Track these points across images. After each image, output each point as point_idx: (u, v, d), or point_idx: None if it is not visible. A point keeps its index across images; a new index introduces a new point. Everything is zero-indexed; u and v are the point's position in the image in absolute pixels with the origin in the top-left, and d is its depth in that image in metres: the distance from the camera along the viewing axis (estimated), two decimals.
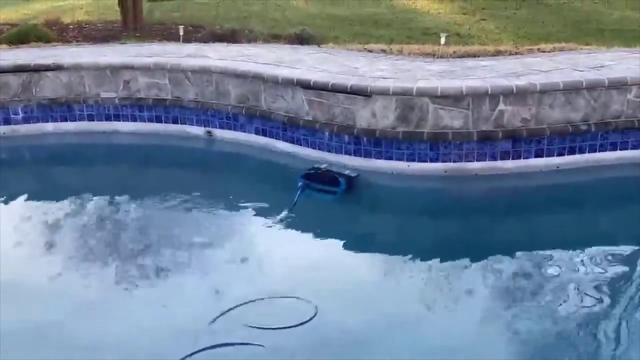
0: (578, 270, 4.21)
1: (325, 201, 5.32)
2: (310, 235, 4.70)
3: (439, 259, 4.40)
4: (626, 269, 4.27)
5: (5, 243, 4.79)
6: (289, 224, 4.90)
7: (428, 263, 4.40)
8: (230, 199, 5.37)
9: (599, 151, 5.67)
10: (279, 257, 4.44)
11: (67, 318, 3.78)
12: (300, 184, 5.34)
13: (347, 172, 5.49)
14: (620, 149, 5.70)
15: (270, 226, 4.86)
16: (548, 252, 4.42)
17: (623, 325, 3.59)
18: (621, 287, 4.01)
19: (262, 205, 5.23)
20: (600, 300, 3.84)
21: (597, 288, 3.97)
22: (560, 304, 3.83)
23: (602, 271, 4.20)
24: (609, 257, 4.38)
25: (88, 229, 5.01)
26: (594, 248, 4.51)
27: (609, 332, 3.54)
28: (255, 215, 5.07)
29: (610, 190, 5.54)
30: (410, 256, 4.47)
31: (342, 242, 4.59)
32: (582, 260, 4.33)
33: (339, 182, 5.36)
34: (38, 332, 3.65)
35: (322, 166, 5.56)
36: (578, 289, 3.96)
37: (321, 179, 5.42)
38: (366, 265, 4.38)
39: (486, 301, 3.97)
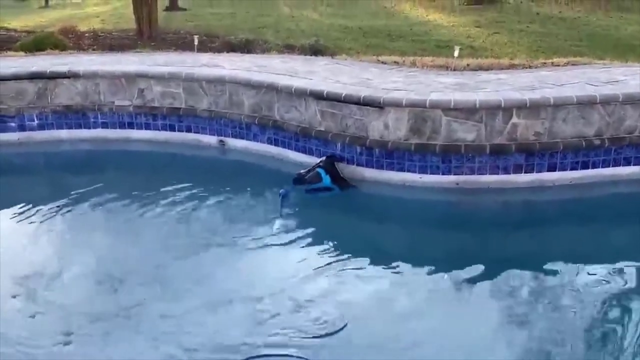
0: (590, 286, 4.17)
1: (328, 206, 5.45)
2: (319, 248, 4.69)
3: (449, 272, 4.36)
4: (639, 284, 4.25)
5: (19, 248, 4.83)
6: (290, 233, 4.91)
7: (437, 276, 4.36)
8: (237, 207, 5.39)
9: (612, 166, 5.64)
10: (286, 267, 4.45)
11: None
12: (281, 190, 5.43)
13: (320, 160, 5.74)
14: (634, 165, 5.66)
15: (272, 236, 4.89)
16: (560, 267, 4.38)
17: (636, 342, 3.56)
18: (635, 304, 3.97)
19: (266, 214, 5.23)
20: (613, 316, 3.81)
21: (609, 304, 3.94)
22: (572, 319, 3.80)
23: (615, 287, 4.16)
24: (622, 273, 4.34)
25: (99, 235, 5.03)
26: (606, 263, 4.47)
27: (622, 348, 3.51)
28: (257, 223, 5.07)
29: (623, 205, 5.50)
30: (420, 269, 4.44)
31: (353, 254, 4.57)
32: (594, 276, 4.29)
33: (321, 176, 5.57)
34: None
35: (302, 172, 5.69)
36: (591, 305, 3.92)
37: (308, 179, 5.60)
38: (378, 278, 4.35)
39: (497, 315, 3.93)
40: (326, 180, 5.60)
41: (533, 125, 5.47)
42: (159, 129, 7.01)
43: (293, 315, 3.84)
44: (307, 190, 5.59)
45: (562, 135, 5.52)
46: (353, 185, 5.70)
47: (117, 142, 7.02)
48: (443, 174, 5.56)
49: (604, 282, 4.20)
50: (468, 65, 7.18)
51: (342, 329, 3.70)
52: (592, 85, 5.89)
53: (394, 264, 4.46)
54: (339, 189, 5.63)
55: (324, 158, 5.80)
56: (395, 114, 5.56)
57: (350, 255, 4.56)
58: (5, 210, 5.39)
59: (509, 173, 5.54)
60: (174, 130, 6.97)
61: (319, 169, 5.65)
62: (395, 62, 7.55)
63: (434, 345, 3.65)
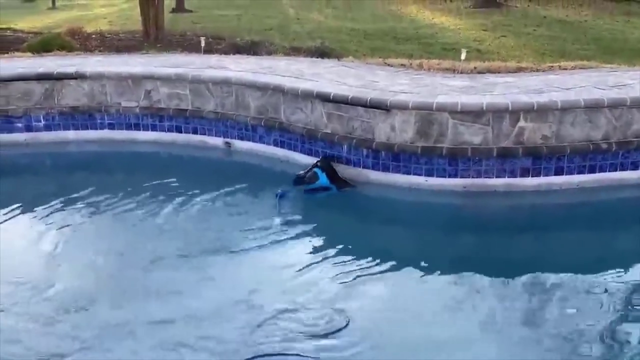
0: (596, 289, 4.14)
1: (333, 207, 5.51)
2: (322, 249, 4.69)
3: (454, 276, 4.35)
4: None
5: (24, 249, 4.84)
6: (290, 234, 4.91)
7: (441, 278, 4.36)
8: (241, 209, 5.39)
9: (619, 170, 5.62)
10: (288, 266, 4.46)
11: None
12: (278, 191, 5.48)
13: (317, 160, 5.80)
14: None
15: (274, 240, 4.88)
16: (565, 271, 4.37)
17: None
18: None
19: (270, 216, 5.23)
20: (619, 320, 3.79)
21: (615, 308, 3.92)
22: (576, 322, 3.79)
23: (621, 291, 4.14)
24: (628, 277, 4.33)
25: (104, 235, 5.04)
26: (612, 267, 4.45)
27: (627, 351, 3.50)
28: (260, 224, 5.08)
29: (630, 209, 5.48)
30: (425, 271, 4.43)
31: (356, 255, 4.56)
32: (600, 280, 4.27)
33: (318, 175, 5.61)
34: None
35: (302, 172, 5.73)
36: (596, 309, 3.91)
37: (306, 180, 5.64)
38: (381, 279, 4.34)
39: (500, 317, 3.92)
40: (322, 179, 5.62)
41: (540, 129, 5.46)
42: (165, 131, 7.02)
43: (294, 315, 3.84)
44: (305, 191, 5.61)
45: (569, 139, 5.51)
46: (351, 185, 5.71)
47: (124, 143, 7.03)
48: (449, 177, 5.55)
49: (610, 285, 4.18)
50: (475, 68, 7.17)
51: (343, 328, 3.70)
52: (599, 89, 5.87)
53: (398, 266, 4.46)
54: (337, 188, 5.64)
55: (320, 158, 5.83)
56: (402, 117, 5.55)
57: (353, 256, 4.56)
58: (10, 211, 5.39)
59: (516, 176, 5.52)
60: (180, 132, 6.98)
61: (315, 169, 5.68)
62: (401, 64, 7.54)
63: (435, 345, 3.64)
